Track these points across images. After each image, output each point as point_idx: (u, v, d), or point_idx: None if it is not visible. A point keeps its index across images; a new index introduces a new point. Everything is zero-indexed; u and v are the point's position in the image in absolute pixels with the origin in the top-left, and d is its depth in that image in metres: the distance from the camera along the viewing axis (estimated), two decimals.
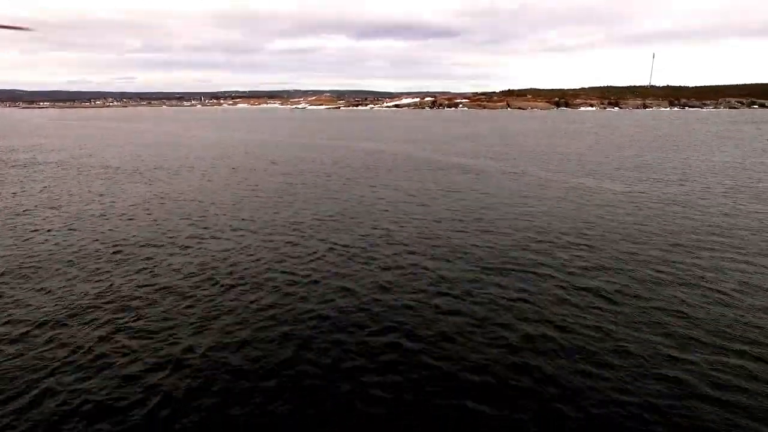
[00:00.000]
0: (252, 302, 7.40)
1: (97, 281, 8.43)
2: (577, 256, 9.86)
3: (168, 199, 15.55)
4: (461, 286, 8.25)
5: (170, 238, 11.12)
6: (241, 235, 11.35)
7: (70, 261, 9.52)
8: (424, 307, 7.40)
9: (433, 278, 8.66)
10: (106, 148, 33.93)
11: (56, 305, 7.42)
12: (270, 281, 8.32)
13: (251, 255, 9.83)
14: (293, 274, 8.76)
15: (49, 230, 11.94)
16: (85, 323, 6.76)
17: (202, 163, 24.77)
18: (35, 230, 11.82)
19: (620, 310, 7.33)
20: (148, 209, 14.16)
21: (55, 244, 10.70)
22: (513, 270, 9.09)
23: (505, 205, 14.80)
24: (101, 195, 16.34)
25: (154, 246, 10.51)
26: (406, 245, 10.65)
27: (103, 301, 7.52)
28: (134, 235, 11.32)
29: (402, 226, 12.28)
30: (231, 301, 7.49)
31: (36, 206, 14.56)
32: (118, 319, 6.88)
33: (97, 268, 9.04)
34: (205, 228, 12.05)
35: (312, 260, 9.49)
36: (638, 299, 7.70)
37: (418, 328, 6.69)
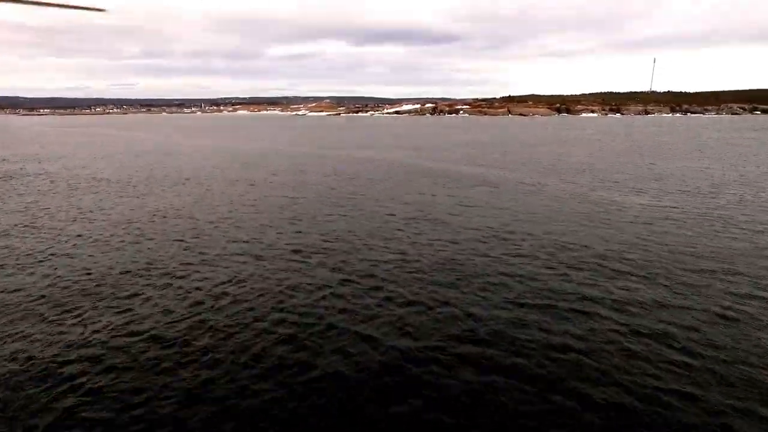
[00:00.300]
0: (254, 360, 6.08)
1: (69, 325, 7.13)
2: (627, 288, 8.57)
3: (160, 217, 14.27)
4: (499, 331, 6.95)
5: (159, 266, 9.82)
6: (241, 263, 10.05)
7: (42, 297, 8.22)
8: (460, 363, 6.09)
9: (463, 319, 7.37)
10: (101, 158, 32.70)
11: (13, 359, 6.12)
12: (275, 327, 7.01)
13: (252, 289, 8.53)
14: (302, 314, 7.46)
15: (27, 255, 10.66)
16: (43, 389, 5.44)
17: (200, 175, 23.51)
18: (8, 256, 10.52)
19: (701, 365, 6.03)
20: (138, 229, 12.87)
21: (30, 274, 9.40)
22: (556, 307, 7.80)
23: (529, 222, 13.52)
24: (90, 212, 15.05)
25: (140, 276, 9.21)
26: (426, 274, 9.37)
27: (69, 356, 6.20)
28: (119, 263, 10.02)
29: (419, 250, 10.99)
30: (228, 355, 6.18)
31: (15, 226, 13.26)
32: (83, 384, 5.56)
33: (71, 308, 7.73)
34: (200, 253, 10.76)
35: (323, 296, 8.19)
36: (718, 350, 6.40)
37: (457, 397, 5.38)
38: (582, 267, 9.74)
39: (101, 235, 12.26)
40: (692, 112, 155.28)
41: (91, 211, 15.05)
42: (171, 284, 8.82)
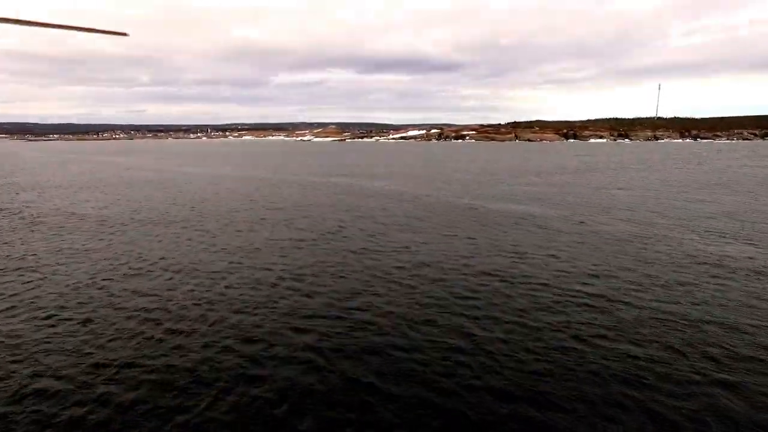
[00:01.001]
0: None
1: None
2: None
3: (127, 271, 11.11)
4: None
5: (106, 373, 6.59)
6: (227, 361, 6.82)
7: None
8: None
9: None
10: (85, 189, 29.89)
11: None
12: None
13: (238, 418, 5.27)
14: None
15: None
16: None
17: (190, 212, 20.49)
18: None
19: None
20: (99, 290, 9.71)
21: None
22: None
23: (610, 277, 10.26)
24: (42, 265, 11.92)
25: (73, 393, 5.98)
26: (504, 379, 6.09)
27: None
28: (47, 365, 6.78)
29: (478, 329, 7.75)
30: None
31: None
32: None
33: None
34: (171, 332, 7.57)
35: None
36: None
37: None
38: (726, 363, 6.44)
39: (36, 301, 9.06)
40: (702, 138, 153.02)
41: (43, 265, 11.90)
42: (113, 398, 5.58)
